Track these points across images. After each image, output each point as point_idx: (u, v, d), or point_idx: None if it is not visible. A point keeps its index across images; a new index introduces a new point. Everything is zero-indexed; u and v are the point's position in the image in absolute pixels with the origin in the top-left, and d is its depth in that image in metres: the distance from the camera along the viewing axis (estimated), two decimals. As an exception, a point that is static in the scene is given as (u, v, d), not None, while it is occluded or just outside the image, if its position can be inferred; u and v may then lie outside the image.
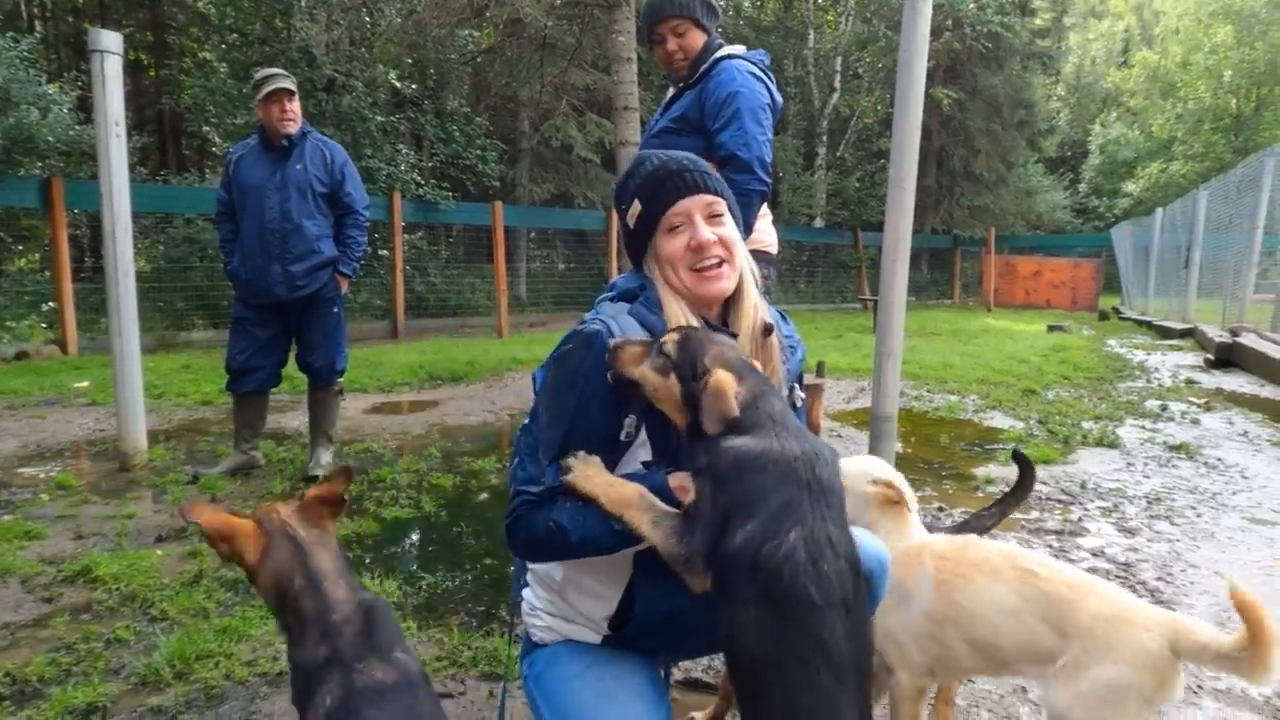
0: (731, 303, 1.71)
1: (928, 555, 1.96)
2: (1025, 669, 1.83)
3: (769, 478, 1.33)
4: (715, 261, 1.64)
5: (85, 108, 11.89)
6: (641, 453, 1.62)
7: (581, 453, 1.51)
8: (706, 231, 1.63)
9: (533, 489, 1.56)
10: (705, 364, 1.44)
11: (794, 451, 1.35)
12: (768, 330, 1.69)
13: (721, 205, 1.67)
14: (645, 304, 1.67)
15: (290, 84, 4.54)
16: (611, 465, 1.57)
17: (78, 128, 11.54)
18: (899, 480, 2.06)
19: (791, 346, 1.79)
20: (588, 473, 1.49)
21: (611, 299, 1.73)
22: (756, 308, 1.70)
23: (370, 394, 7.57)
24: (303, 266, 4.57)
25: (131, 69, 19.15)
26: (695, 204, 1.64)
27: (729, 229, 1.67)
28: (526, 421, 1.69)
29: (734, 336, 1.64)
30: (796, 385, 1.80)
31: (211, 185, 14.47)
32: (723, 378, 1.41)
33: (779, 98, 3.36)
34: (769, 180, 3.21)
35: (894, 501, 2.02)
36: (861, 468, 2.08)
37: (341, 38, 13.66)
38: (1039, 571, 1.81)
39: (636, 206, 1.66)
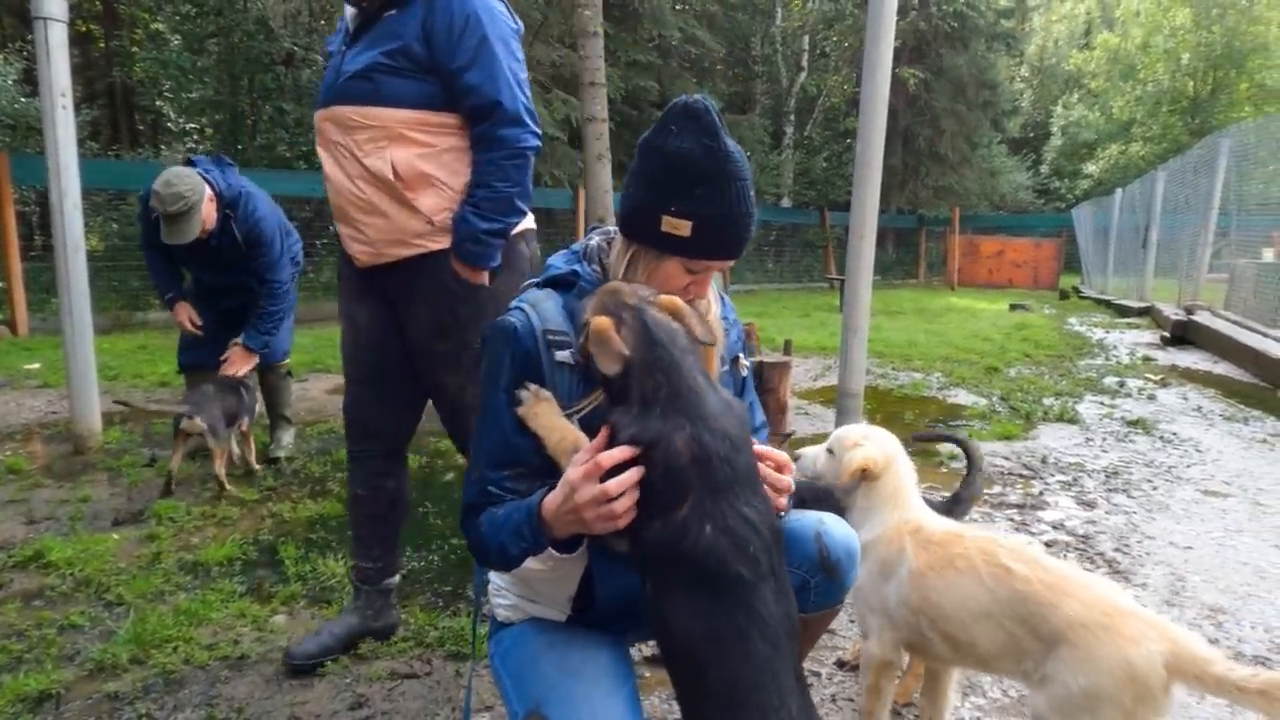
0: None
1: (909, 538, 1.89)
2: (1008, 670, 1.75)
3: (674, 479, 1.28)
4: None
5: (31, 80, 11.44)
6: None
7: (534, 386, 1.48)
8: (706, 290, 1.63)
9: (470, 493, 1.56)
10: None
11: (687, 456, 1.27)
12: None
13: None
14: (579, 296, 1.58)
15: (186, 224, 3.91)
16: None
17: (23, 100, 11.16)
18: (881, 452, 1.99)
19: (725, 329, 1.78)
20: (536, 410, 1.46)
21: (538, 284, 1.65)
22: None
23: (334, 374, 7.44)
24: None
25: (80, 40, 18.44)
26: (723, 265, 1.60)
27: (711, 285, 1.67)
28: None
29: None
30: (741, 356, 1.79)
31: (166, 161, 14.05)
32: (600, 321, 1.34)
33: (518, 21, 2.47)
34: (540, 130, 2.37)
35: (872, 477, 1.97)
36: (851, 437, 2.05)
37: (300, 8, 13.28)
38: (1016, 569, 1.70)
39: (686, 227, 1.47)
